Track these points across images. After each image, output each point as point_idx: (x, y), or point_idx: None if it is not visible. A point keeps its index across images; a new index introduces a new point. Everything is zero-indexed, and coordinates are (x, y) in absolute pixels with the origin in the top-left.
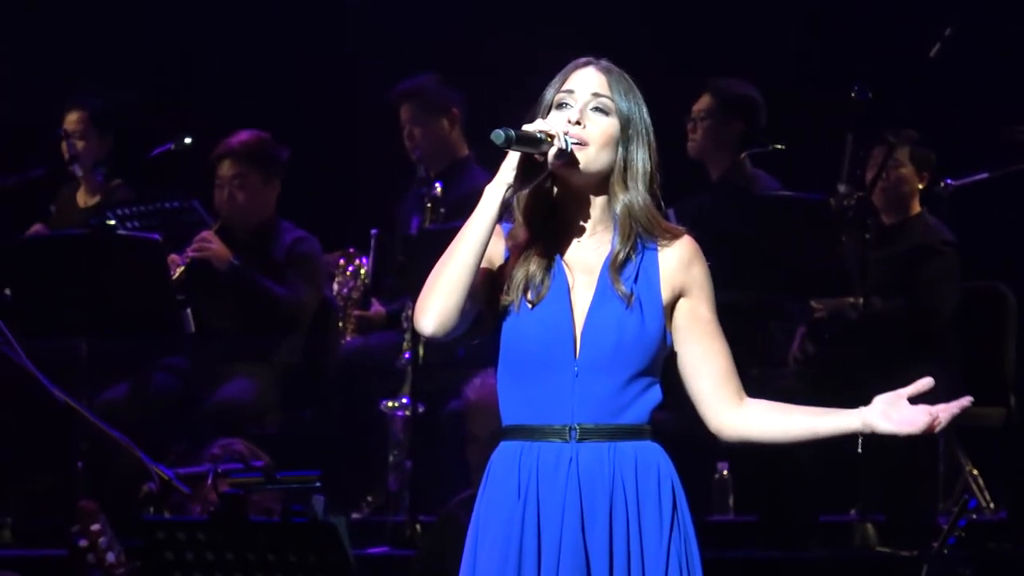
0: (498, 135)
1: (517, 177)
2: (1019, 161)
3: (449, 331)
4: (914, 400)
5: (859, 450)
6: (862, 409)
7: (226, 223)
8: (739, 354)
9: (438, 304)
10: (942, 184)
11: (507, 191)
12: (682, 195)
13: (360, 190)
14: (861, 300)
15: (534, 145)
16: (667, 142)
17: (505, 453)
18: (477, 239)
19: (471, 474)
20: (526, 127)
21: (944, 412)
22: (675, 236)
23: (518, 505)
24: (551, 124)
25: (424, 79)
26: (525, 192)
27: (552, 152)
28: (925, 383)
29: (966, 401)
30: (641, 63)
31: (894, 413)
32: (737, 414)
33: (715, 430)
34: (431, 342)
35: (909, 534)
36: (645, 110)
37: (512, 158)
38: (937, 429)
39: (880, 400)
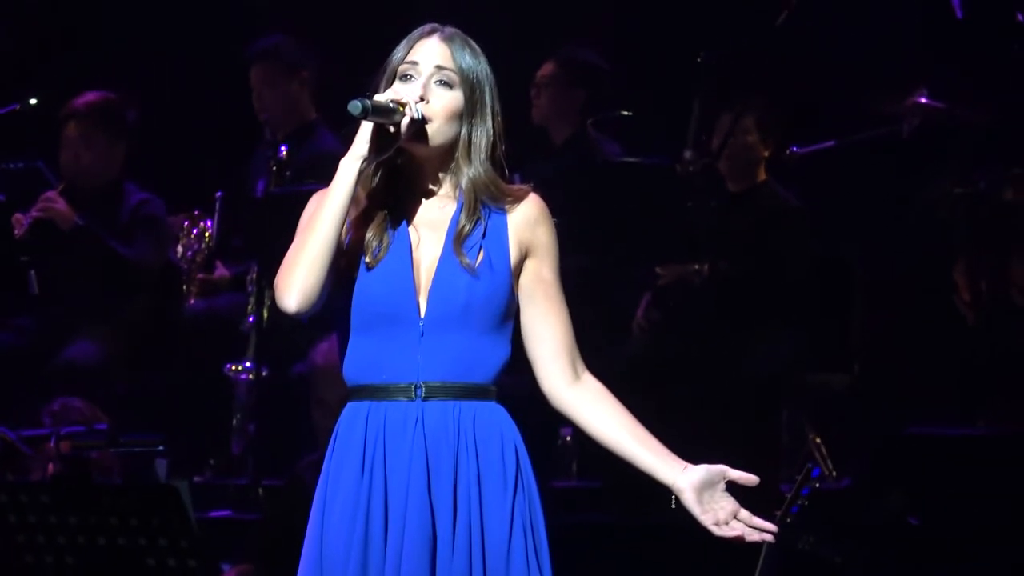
0: (355, 106)
1: (371, 149)
2: (868, 130)
3: (312, 306)
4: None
5: (672, 506)
6: (684, 471)
7: (71, 184)
8: (584, 320)
9: (300, 282)
10: (788, 152)
11: (362, 163)
12: (525, 160)
13: (205, 152)
14: (706, 266)
15: (388, 115)
16: (512, 107)
17: (352, 414)
18: (336, 214)
19: (318, 437)
20: (378, 97)
21: (753, 533)
22: (520, 197)
23: (365, 466)
24: (401, 93)
25: (277, 40)
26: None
27: (405, 122)
28: (750, 480)
29: (769, 535)
30: (490, 27)
31: (706, 496)
32: (569, 389)
33: (545, 393)
34: (294, 319)
35: (752, 502)
36: (490, 76)
37: (366, 130)
38: (751, 538)
39: (702, 471)
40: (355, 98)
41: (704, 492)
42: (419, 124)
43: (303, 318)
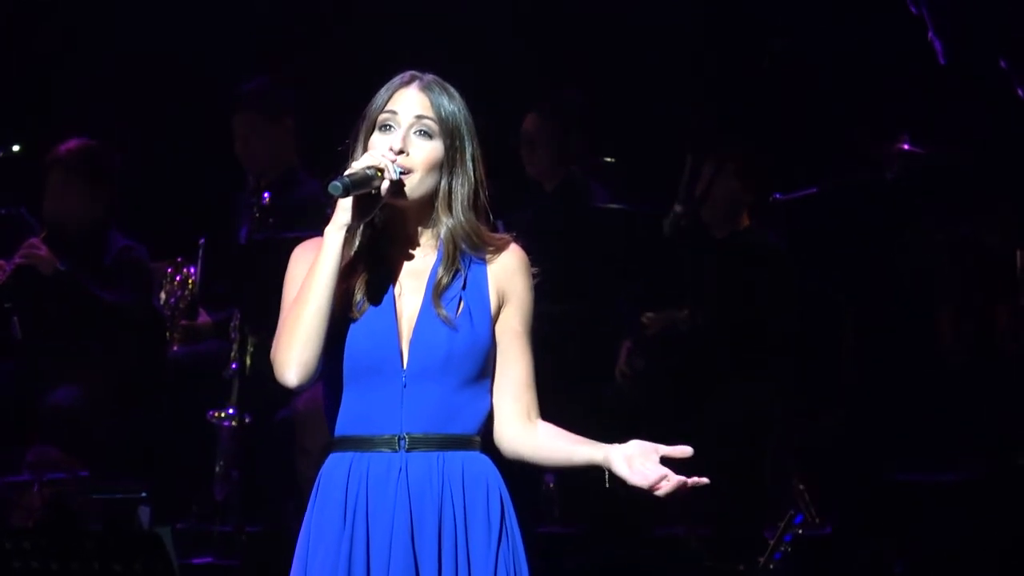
0: (336, 187)
1: (354, 215)
2: (851, 175)
3: (312, 378)
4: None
5: (607, 484)
6: (612, 446)
7: (54, 230)
8: (567, 365)
9: (298, 356)
10: (771, 198)
11: (346, 232)
12: (512, 207)
13: (188, 199)
14: (691, 313)
15: (368, 184)
16: (497, 151)
17: (335, 464)
18: (327, 284)
19: (300, 485)
20: (355, 166)
21: (671, 483)
22: (501, 247)
23: (348, 517)
24: (377, 157)
25: (260, 86)
26: None
27: (385, 186)
28: (683, 451)
29: (701, 480)
30: (473, 73)
31: (637, 462)
32: (520, 431)
33: (496, 442)
34: (297, 390)
35: (736, 548)
36: (470, 121)
37: (347, 199)
38: (659, 492)
39: (634, 444)
40: (334, 179)
41: (635, 460)
42: (399, 183)
43: (302, 388)
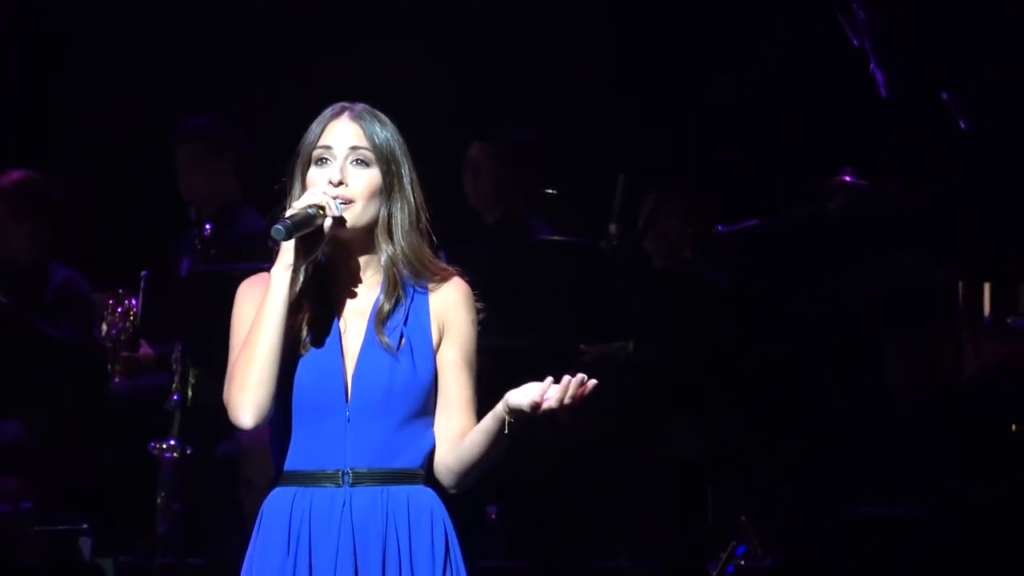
0: (279, 231)
1: (298, 255)
2: (793, 208)
3: (267, 417)
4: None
5: (506, 431)
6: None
7: None
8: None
9: (253, 398)
10: (714, 230)
11: (292, 272)
12: (454, 239)
13: (130, 231)
14: (631, 344)
15: (310, 223)
16: (444, 186)
17: (278, 499)
18: (276, 326)
19: (244, 517)
20: (297, 206)
21: (558, 390)
22: (445, 278)
23: (291, 550)
24: (318, 194)
25: (204, 120)
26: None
27: (327, 224)
28: (579, 378)
29: (586, 384)
30: (420, 101)
31: (531, 392)
32: (449, 449)
33: (438, 476)
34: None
35: None
36: (403, 146)
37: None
38: (547, 404)
39: (533, 383)
40: (276, 223)
41: (530, 390)
42: (341, 221)
43: (256, 428)
